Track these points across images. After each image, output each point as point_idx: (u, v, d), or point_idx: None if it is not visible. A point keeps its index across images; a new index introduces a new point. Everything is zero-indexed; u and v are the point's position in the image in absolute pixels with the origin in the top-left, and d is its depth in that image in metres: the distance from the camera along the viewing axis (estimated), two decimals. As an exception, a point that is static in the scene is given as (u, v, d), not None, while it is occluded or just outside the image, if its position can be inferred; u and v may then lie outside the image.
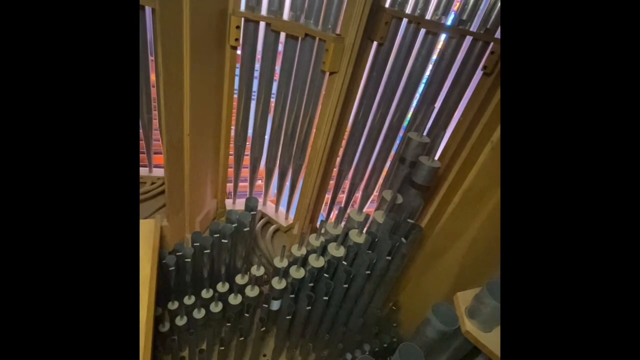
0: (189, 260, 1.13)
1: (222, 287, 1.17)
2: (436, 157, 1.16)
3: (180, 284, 1.20)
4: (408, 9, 1.23)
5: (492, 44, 1.28)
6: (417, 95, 1.47)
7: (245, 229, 1.20)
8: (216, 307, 1.15)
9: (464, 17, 1.25)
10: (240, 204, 1.77)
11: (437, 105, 1.47)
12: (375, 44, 1.28)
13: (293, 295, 1.13)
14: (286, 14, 1.22)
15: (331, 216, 1.91)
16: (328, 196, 1.82)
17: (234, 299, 1.15)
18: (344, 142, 1.58)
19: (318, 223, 1.81)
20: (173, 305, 1.18)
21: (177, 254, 1.13)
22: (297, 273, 1.10)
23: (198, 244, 1.15)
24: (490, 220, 1.08)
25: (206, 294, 1.17)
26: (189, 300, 1.17)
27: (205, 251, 1.15)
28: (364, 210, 1.74)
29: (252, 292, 1.14)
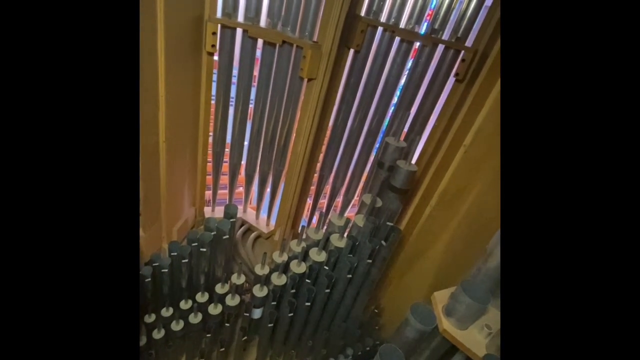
0: (166, 270, 1.10)
1: (201, 297, 1.15)
2: (413, 161, 1.19)
3: (158, 296, 1.16)
4: (383, 18, 1.27)
5: (463, 52, 1.33)
6: (394, 101, 1.51)
7: (225, 237, 1.18)
8: (195, 318, 1.12)
9: (436, 26, 1.30)
10: (219, 212, 1.74)
11: (413, 110, 1.51)
12: (352, 51, 1.31)
13: (275, 303, 1.11)
14: (263, 21, 1.23)
15: (313, 221, 1.91)
16: (310, 202, 1.82)
17: (214, 309, 1.12)
18: (324, 148, 1.59)
19: (300, 229, 1.81)
20: (150, 318, 1.13)
21: (154, 264, 1.10)
22: (278, 280, 1.09)
23: (175, 254, 1.12)
24: (465, 220, 1.11)
25: (185, 304, 1.13)
26: (166, 312, 1.13)
27: (183, 261, 1.12)
28: (346, 214, 1.76)
29: (232, 301, 1.12)
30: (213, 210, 1.74)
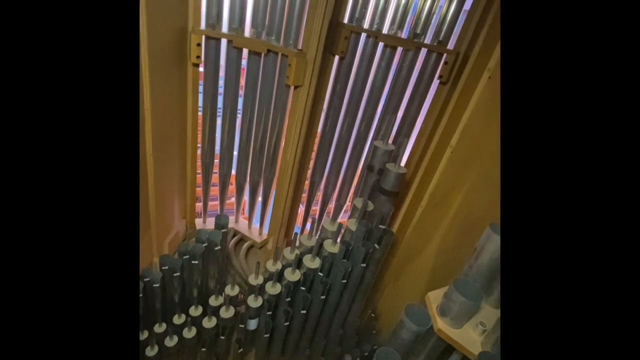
0: (158, 285, 1.08)
1: (195, 311, 1.13)
2: (402, 164, 1.20)
3: (150, 312, 1.13)
4: (366, 24, 1.29)
5: (445, 55, 1.36)
6: (381, 105, 1.53)
7: (217, 248, 1.16)
8: (189, 333, 1.09)
9: (418, 31, 1.33)
10: (211, 223, 1.72)
11: (400, 114, 1.53)
12: (337, 57, 1.32)
13: (270, 312, 1.10)
14: (247, 31, 1.24)
15: (307, 228, 1.90)
16: (302, 209, 1.82)
17: (208, 322, 1.10)
18: (313, 154, 1.59)
19: (293, 236, 1.80)
20: (142, 335, 1.11)
21: (145, 279, 1.07)
22: (273, 289, 1.08)
23: (167, 268, 1.10)
24: (456, 219, 1.12)
25: (178, 319, 1.11)
26: (159, 328, 1.10)
27: (175, 274, 1.10)
28: (339, 220, 1.75)
29: (227, 313, 1.10)
30: (204, 221, 1.72)
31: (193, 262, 1.12)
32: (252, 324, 1.11)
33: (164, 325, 1.11)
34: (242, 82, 1.36)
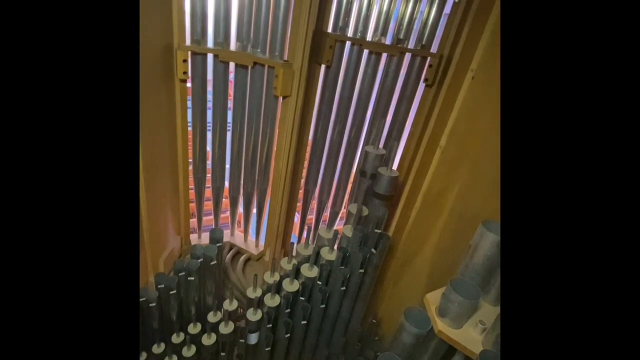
0: (154, 304, 1.06)
1: (193, 329, 1.10)
2: (394, 167, 1.21)
3: (147, 332, 1.11)
4: (350, 32, 1.31)
5: (429, 58, 1.39)
6: (370, 111, 1.54)
7: (213, 263, 1.15)
8: (189, 351, 1.07)
9: (401, 36, 1.35)
10: (206, 238, 1.70)
11: (389, 118, 1.55)
12: (323, 66, 1.34)
13: (270, 325, 1.08)
14: (233, 45, 1.25)
15: (303, 236, 1.89)
16: (298, 218, 1.81)
17: (208, 339, 1.08)
18: (306, 163, 1.60)
19: (290, 246, 1.78)
20: (141, 358, 1.08)
21: (141, 299, 1.05)
22: (272, 301, 1.07)
23: (163, 286, 1.08)
24: (450, 219, 1.13)
25: (177, 338, 1.09)
26: (157, 348, 1.08)
27: (172, 292, 1.09)
28: (335, 227, 1.75)
29: (226, 328, 1.08)
30: (199, 237, 1.70)
31: (189, 278, 1.11)
32: (253, 338, 1.09)
33: (163, 345, 1.08)
34: (231, 95, 1.36)
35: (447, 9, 1.32)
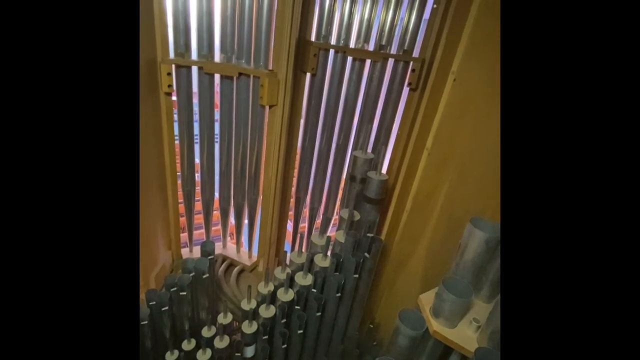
0: (146, 322, 1.03)
1: (187, 345, 1.08)
2: (383, 171, 1.22)
3: (140, 352, 1.08)
4: (333, 40, 1.33)
5: (411, 62, 1.42)
6: (357, 116, 1.56)
7: (205, 276, 1.13)
8: (184, 369, 1.05)
9: (383, 42, 1.38)
10: (198, 252, 1.68)
11: (376, 123, 1.57)
12: (308, 75, 1.35)
13: (266, 337, 1.07)
14: (217, 56, 1.25)
15: (296, 245, 1.88)
16: (291, 226, 1.80)
17: (203, 355, 1.06)
18: (296, 171, 1.60)
19: (283, 255, 1.77)
20: (133, 379, 1.05)
21: (132, 318, 1.03)
22: (267, 312, 1.05)
23: (154, 303, 1.06)
24: (440, 220, 1.14)
25: (170, 356, 1.06)
26: (151, 368, 1.05)
27: (164, 309, 1.06)
28: (328, 233, 1.74)
29: (221, 343, 1.06)
30: (191, 250, 1.67)
31: (181, 293, 1.08)
32: (249, 351, 1.07)
33: (156, 365, 1.06)
34: (217, 107, 1.36)
35: (427, 15, 1.36)
